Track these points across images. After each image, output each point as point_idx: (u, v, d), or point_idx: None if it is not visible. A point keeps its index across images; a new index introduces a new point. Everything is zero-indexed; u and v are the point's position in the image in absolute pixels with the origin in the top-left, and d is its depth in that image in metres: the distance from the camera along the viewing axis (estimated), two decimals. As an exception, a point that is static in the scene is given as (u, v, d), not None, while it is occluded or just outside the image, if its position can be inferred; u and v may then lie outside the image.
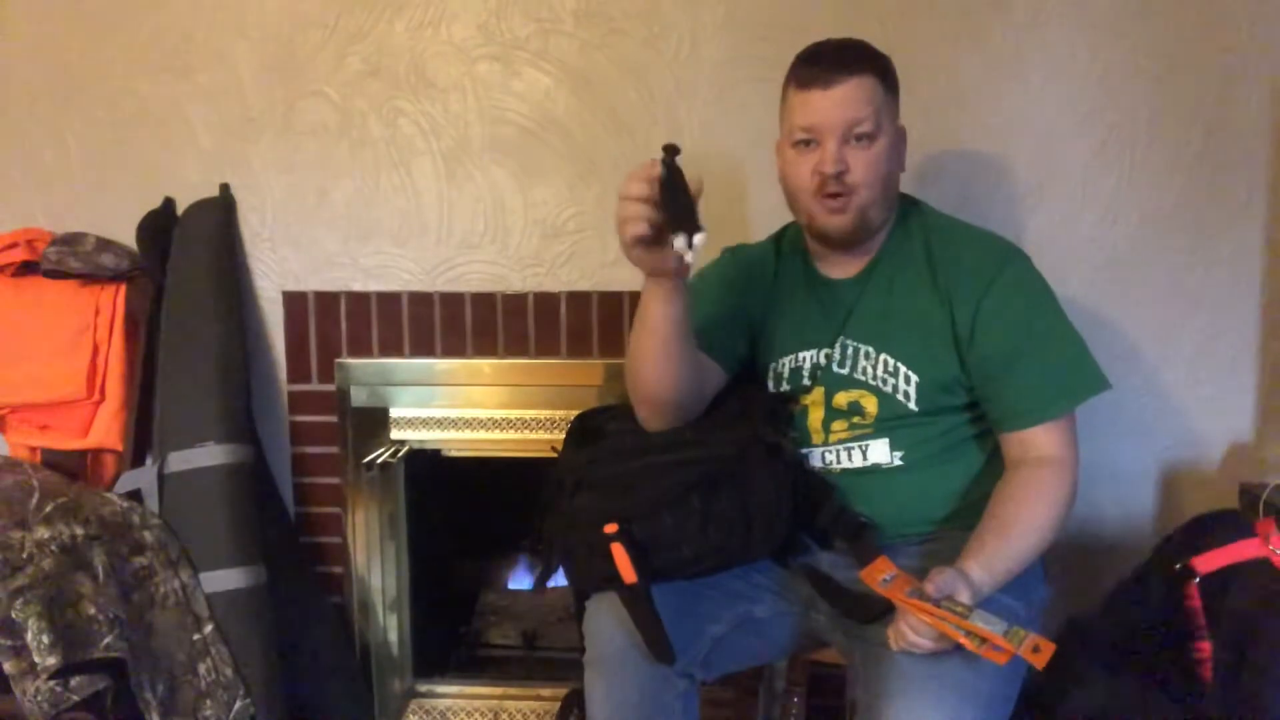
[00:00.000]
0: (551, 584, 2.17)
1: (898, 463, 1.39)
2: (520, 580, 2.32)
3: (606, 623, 1.31)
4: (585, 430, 1.50)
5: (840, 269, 1.46)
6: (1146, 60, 1.77)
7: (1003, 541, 1.26)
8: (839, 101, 1.33)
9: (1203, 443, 1.84)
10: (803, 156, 1.36)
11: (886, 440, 1.39)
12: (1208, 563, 1.33)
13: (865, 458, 1.40)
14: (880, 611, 1.26)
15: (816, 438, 1.44)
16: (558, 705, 1.97)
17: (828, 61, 1.35)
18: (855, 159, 1.34)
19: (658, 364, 1.34)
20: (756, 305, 1.51)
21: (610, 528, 1.27)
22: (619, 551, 1.26)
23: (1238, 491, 1.70)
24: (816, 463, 1.44)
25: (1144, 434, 1.84)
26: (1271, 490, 1.61)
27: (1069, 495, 1.32)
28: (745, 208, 1.85)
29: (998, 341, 1.34)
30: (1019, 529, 1.28)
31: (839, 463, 1.42)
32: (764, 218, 1.79)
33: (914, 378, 1.37)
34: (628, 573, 1.26)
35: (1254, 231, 1.79)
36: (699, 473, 1.31)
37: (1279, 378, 1.81)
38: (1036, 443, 1.33)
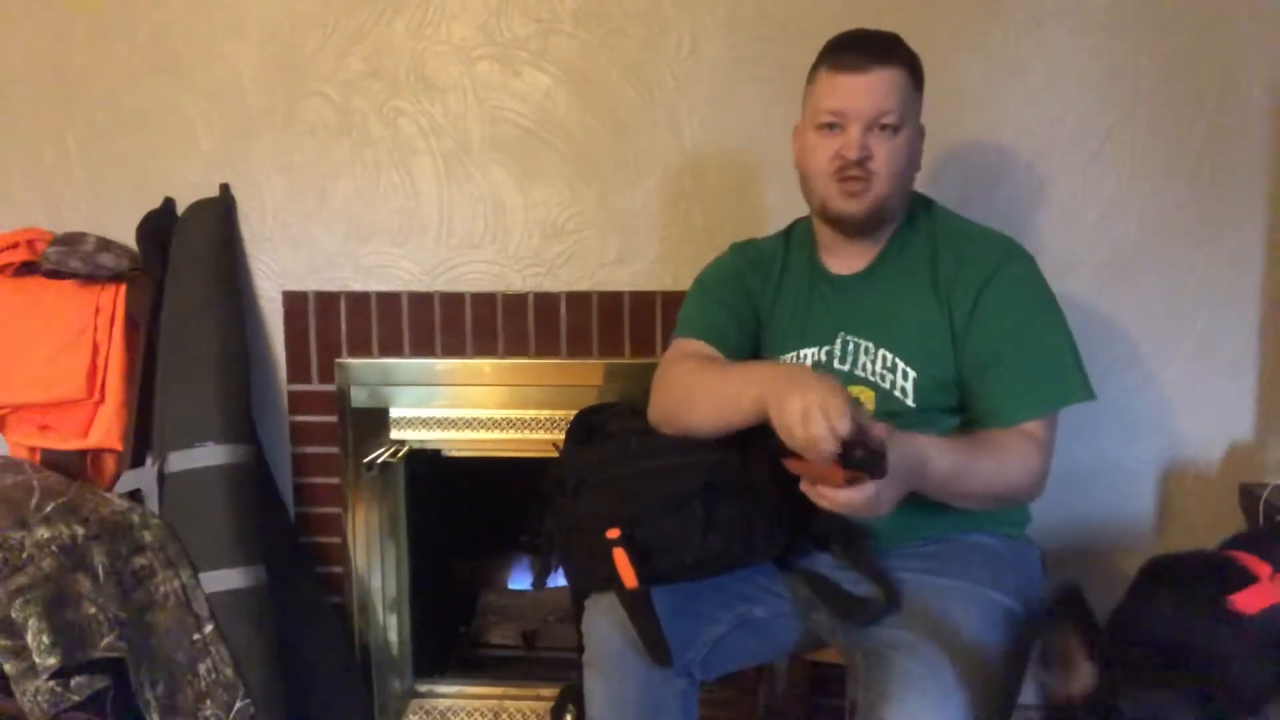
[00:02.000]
0: (551, 584, 2.18)
1: None
2: (520, 580, 2.32)
3: (605, 623, 1.32)
4: (587, 428, 1.49)
5: (846, 264, 1.46)
6: (1146, 60, 1.77)
7: (965, 442, 1.28)
8: (870, 89, 1.34)
9: (1203, 443, 1.84)
10: (825, 140, 1.37)
11: None
12: (1249, 601, 1.16)
13: None
14: (879, 612, 1.26)
15: None
16: (557, 704, 1.98)
17: (863, 48, 1.36)
18: (879, 147, 1.35)
19: (717, 428, 1.33)
20: (763, 300, 1.51)
21: (612, 533, 1.27)
22: (620, 557, 1.26)
23: (1237, 491, 1.70)
24: None
25: (1144, 434, 1.84)
26: (1271, 490, 1.61)
27: (1038, 469, 1.31)
28: (745, 207, 1.85)
29: (987, 337, 1.35)
30: (985, 448, 1.29)
31: None
32: (764, 217, 1.79)
33: (912, 374, 1.37)
34: (629, 578, 1.26)
35: (1254, 231, 1.79)
36: (703, 478, 1.31)
37: (1279, 378, 1.81)
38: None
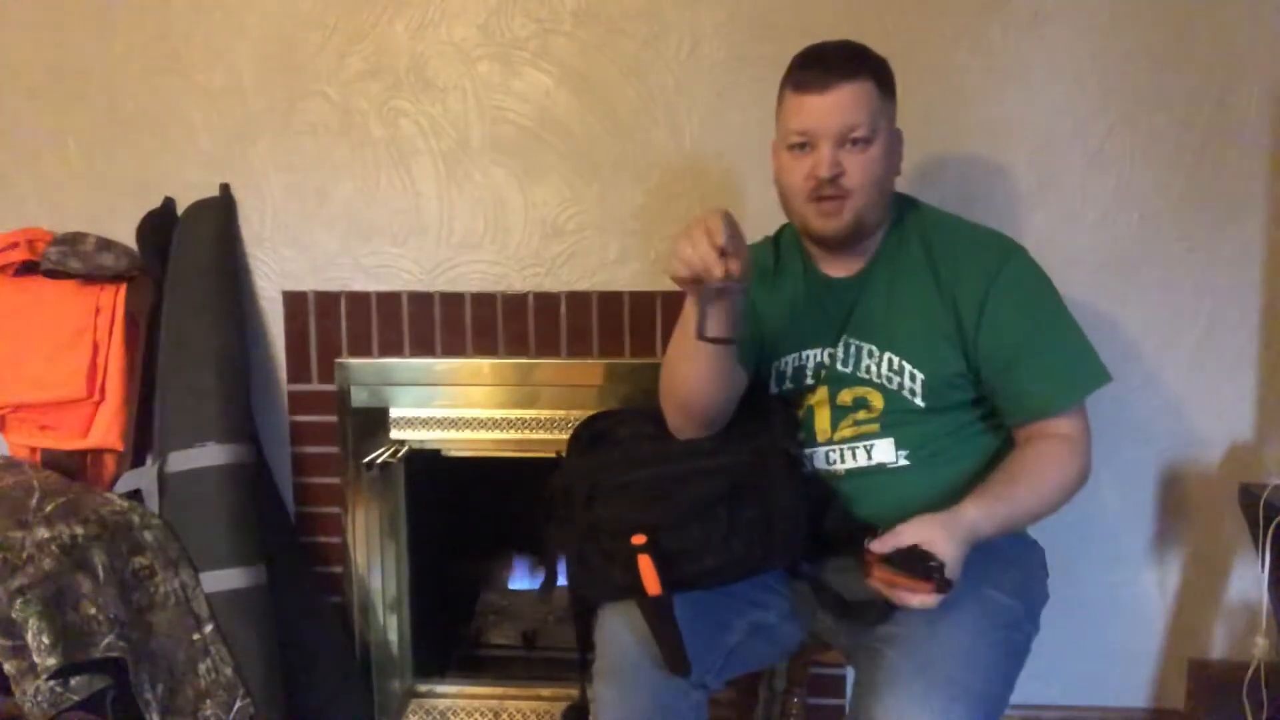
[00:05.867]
0: (553, 585, 2.18)
1: (903, 462, 1.38)
2: (520, 580, 2.32)
3: (621, 633, 1.30)
4: (594, 436, 1.47)
5: (840, 268, 1.46)
6: (1146, 61, 1.77)
7: (1006, 487, 1.30)
8: (834, 106, 1.33)
9: (1203, 443, 1.84)
10: (797, 160, 1.36)
11: (891, 439, 1.39)
12: None
13: (870, 457, 1.40)
14: (881, 615, 1.26)
15: (822, 436, 1.44)
16: (557, 706, 1.98)
17: (824, 65, 1.35)
18: (850, 162, 1.34)
19: (704, 376, 1.34)
20: (762, 304, 1.51)
21: (638, 539, 1.25)
22: (645, 563, 1.24)
23: (1238, 491, 1.70)
24: (821, 463, 1.43)
25: (1144, 433, 1.84)
26: (1271, 490, 1.61)
27: (1079, 468, 1.35)
28: (745, 208, 1.85)
29: (1003, 338, 1.35)
30: (1025, 482, 1.31)
31: (843, 462, 1.42)
32: (764, 217, 1.78)
33: (920, 375, 1.37)
34: (653, 585, 1.24)
35: (1254, 231, 1.79)
36: (726, 483, 1.30)
37: (1279, 378, 1.81)
38: (1048, 428, 1.36)
